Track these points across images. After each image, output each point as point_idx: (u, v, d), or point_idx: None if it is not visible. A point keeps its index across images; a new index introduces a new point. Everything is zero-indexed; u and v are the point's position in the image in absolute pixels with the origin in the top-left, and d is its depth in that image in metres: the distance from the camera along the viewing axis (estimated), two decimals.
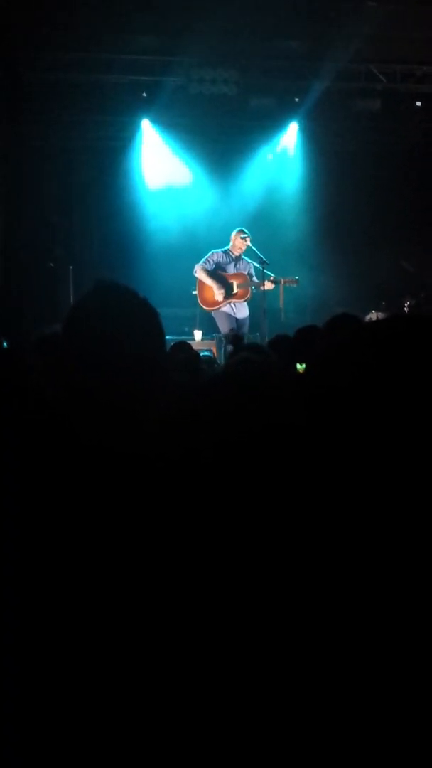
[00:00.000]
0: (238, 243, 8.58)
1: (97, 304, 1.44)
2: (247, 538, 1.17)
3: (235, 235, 8.63)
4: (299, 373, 2.04)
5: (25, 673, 1.13)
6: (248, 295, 8.65)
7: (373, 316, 9.92)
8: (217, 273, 8.61)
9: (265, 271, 8.42)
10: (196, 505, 1.23)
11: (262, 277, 8.43)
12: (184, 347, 5.22)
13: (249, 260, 8.70)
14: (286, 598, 1.11)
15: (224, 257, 8.68)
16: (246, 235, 8.60)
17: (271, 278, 8.49)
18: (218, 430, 1.41)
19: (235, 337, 7.93)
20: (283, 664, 1.08)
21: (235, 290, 8.57)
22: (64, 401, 1.52)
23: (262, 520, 1.18)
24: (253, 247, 8.50)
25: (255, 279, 8.59)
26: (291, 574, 1.12)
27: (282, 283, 8.60)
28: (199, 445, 1.35)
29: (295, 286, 8.73)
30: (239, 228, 8.70)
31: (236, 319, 8.63)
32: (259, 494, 1.22)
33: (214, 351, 8.44)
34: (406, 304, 10.21)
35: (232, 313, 8.62)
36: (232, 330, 8.46)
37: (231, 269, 8.67)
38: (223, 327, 8.67)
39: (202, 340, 9.11)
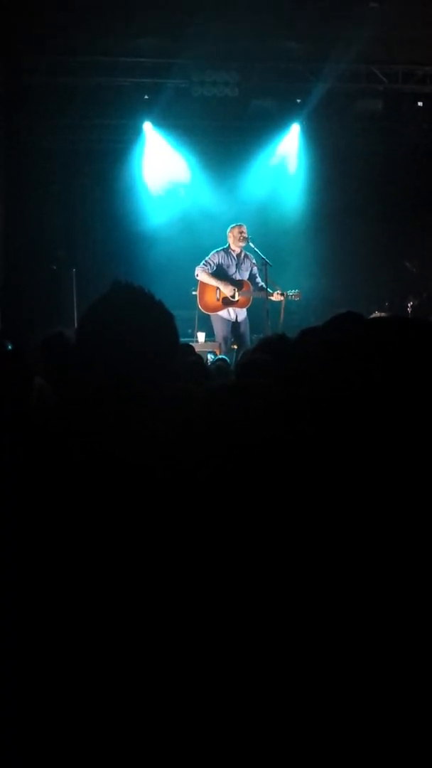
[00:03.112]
0: (236, 236, 8.44)
1: (114, 304, 1.44)
2: (250, 544, 1.18)
3: (230, 232, 8.52)
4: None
5: (28, 675, 1.14)
6: (249, 303, 8.58)
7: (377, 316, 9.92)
8: (220, 274, 8.52)
9: (267, 275, 8.33)
10: (198, 512, 1.23)
11: (265, 279, 8.35)
12: (189, 350, 5.14)
13: (252, 257, 8.57)
14: (288, 600, 1.11)
15: (226, 257, 8.55)
16: (235, 225, 8.47)
17: (279, 291, 8.37)
18: (223, 438, 1.41)
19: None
20: (284, 664, 1.08)
21: (237, 297, 8.46)
22: (67, 403, 1.53)
23: (266, 527, 1.19)
24: (255, 249, 8.41)
25: (259, 279, 8.52)
26: (296, 578, 1.12)
27: (287, 296, 8.51)
28: (204, 454, 1.35)
29: (298, 299, 8.67)
30: (231, 224, 8.58)
31: (234, 323, 8.54)
32: (264, 501, 1.22)
33: (218, 352, 8.40)
34: (409, 305, 10.22)
35: (230, 317, 8.52)
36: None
37: (234, 269, 8.54)
38: (219, 331, 8.57)
39: (206, 341, 9.10)
